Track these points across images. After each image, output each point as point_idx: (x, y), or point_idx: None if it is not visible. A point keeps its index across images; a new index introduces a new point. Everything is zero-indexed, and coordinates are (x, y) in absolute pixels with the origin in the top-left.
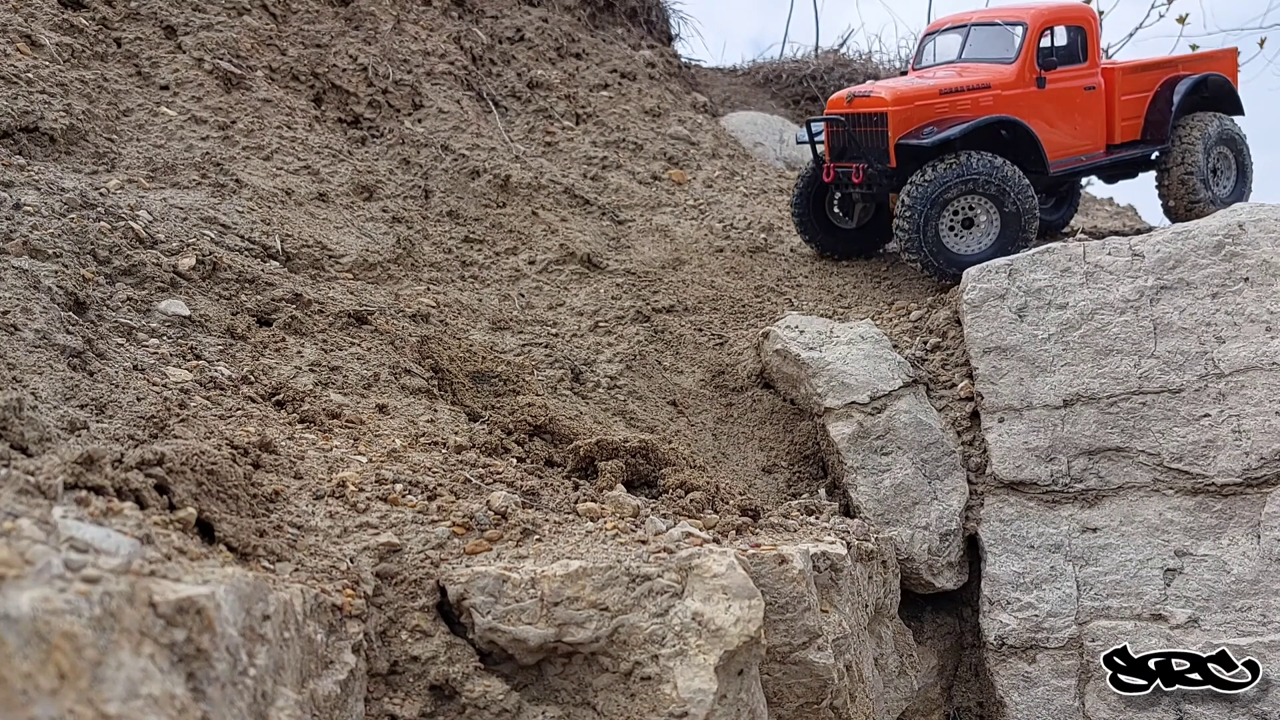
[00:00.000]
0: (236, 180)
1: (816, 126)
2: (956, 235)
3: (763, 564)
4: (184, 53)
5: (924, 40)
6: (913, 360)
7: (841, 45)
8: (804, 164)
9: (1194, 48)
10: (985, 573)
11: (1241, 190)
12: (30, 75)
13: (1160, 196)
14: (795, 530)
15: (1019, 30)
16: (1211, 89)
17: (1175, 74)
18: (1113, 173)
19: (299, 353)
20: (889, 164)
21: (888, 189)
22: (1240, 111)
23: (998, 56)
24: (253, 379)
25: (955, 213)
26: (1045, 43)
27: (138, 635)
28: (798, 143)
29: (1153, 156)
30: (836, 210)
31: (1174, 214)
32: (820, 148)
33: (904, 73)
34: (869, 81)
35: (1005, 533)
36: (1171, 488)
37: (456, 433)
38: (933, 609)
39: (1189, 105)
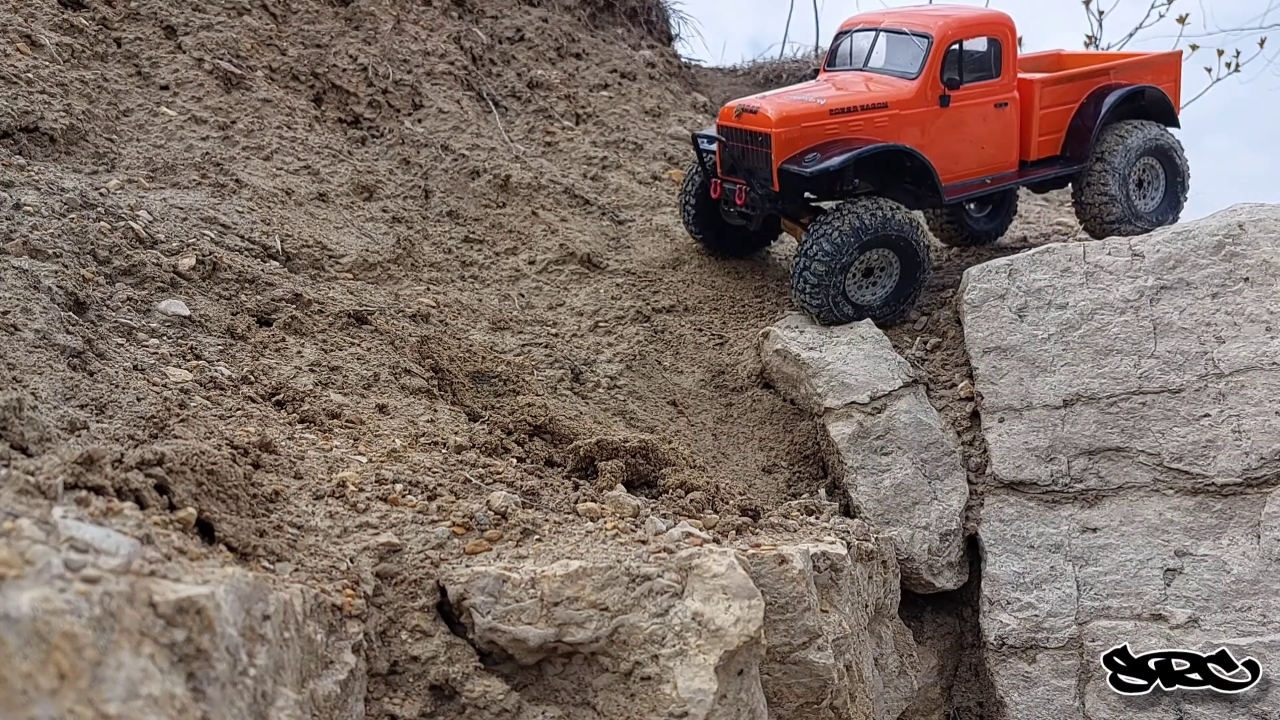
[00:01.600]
0: (236, 180)
1: (706, 140)
2: (857, 285)
3: (763, 564)
4: (184, 53)
5: (839, 37)
6: (913, 360)
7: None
8: (691, 161)
9: (1193, 48)
10: (985, 573)
11: (1173, 203)
12: (30, 75)
13: (1076, 213)
14: (795, 530)
15: (924, 43)
16: (1147, 99)
17: (1105, 84)
18: (1036, 187)
19: (299, 353)
20: (772, 187)
21: (771, 212)
22: (1175, 124)
23: (902, 70)
24: (253, 379)
25: (860, 264)
26: (954, 56)
27: (138, 635)
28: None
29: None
30: (740, 210)
31: (1090, 232)
32: (711, 158)
33: (819, 71)
34: (762, 95)
35: (1005, 533)
36: (1171, 488)
37: (456, 433)
38: (933, 609)
39: (1119, 114)
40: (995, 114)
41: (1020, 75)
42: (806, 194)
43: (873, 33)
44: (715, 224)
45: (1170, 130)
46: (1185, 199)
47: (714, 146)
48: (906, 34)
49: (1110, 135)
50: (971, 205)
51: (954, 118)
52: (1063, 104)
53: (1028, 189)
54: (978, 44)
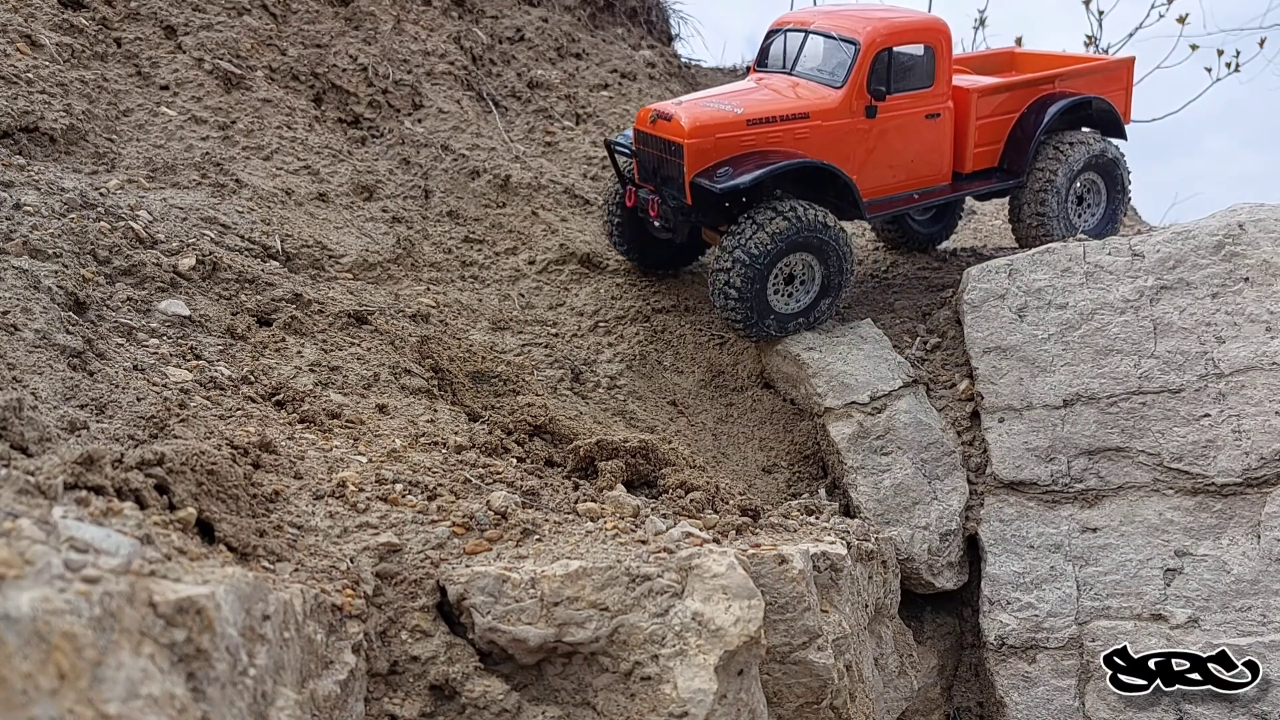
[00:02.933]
0: (236, 180)
1: (621, 147)
2: (777, 292)
3: (763, 564)
4: (184, 53)
5: (770, 35)
6: (913, 360)
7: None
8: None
9: (1193, 48)
10: (985, 573)
11: (1112, 219)
12: (30, 75)
13: (1012, 226)
14: (795, 530)
15: (850, 50)
16: (1093, 110)
17: (1048, 93)
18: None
19: (299, 353)
20: (685, 199)
21: (685, 226)
22: (1122, 135)
23: (827, 77)
24: (253, 379)
25: (780, 272)
26: (882, 65)
27: (138, 635)
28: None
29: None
30: (656, 223)
31: (1026, 246)
32: (628, 164)
33: (750, 70)
34: (681, 99)
35: (1005, 533)
36: (1171, 488)
37: (456, 433)
38: (933, 609)
39: (1063, 124)
40: (926, 125)
41: (956, 83)
42: (725, 204)
43: (802, 34)
44: (640, 237)
45: (1115, 142)
46: (1125, 213)
47: (631, 151)
48: (834, 38)
49: (1051, 148)
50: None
51: (880, 129)
52: (1002, 114)
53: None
54: (910, 50)
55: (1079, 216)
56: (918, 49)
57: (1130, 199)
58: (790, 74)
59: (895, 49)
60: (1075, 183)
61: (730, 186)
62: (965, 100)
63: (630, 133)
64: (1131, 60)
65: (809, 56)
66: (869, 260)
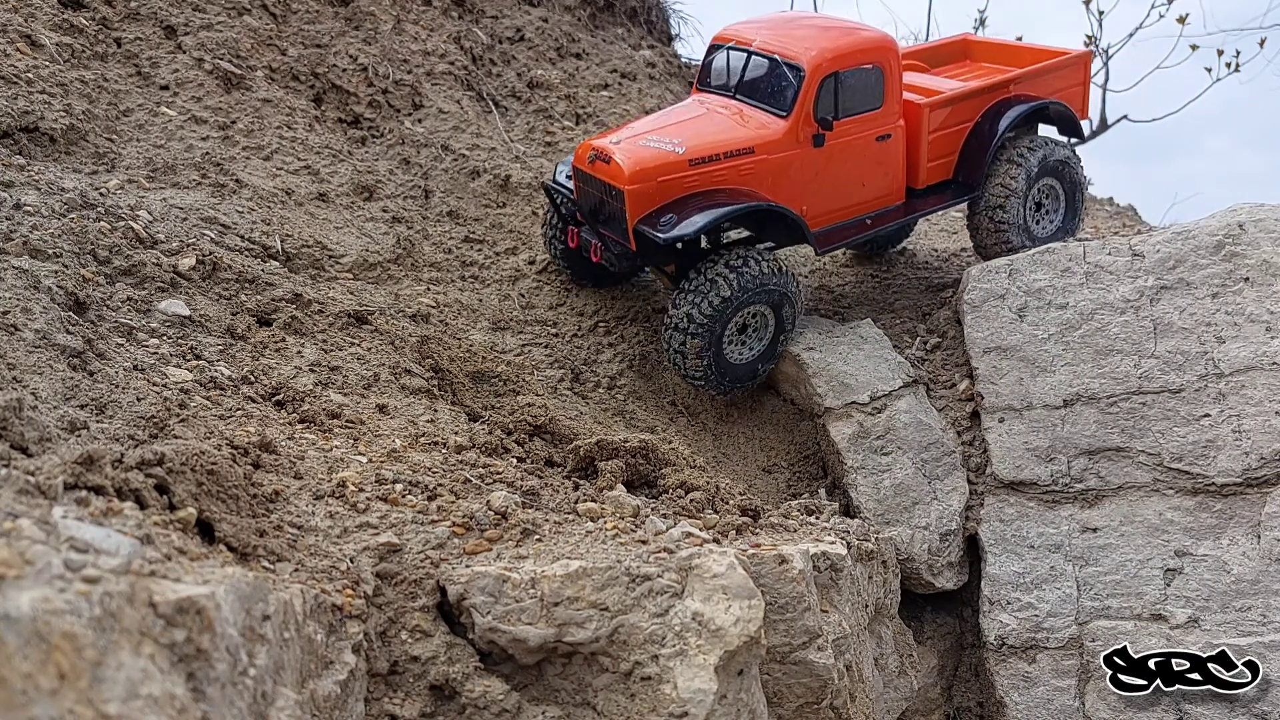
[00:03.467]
0: (236, 180)
1: (562, 173)
2: (731, 343)
3: (763, 564)
4: (184, 53)
5: (712, 50)
6: (913, 360)
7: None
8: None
9: (1193, 48)
10: (985, 573)
11: (1071, 224)
12: (30, 75)
13: (971, 237)
14: (795, 530)
15: (795, 77)
16: (1056, 116)
17: (1003, 98)
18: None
19: (299, 353)
20: (629, 244)
21: (629, 269)
22: (1079, 136)
23: (772, 103)
24: (253, 379)
25: (735, 324)
26: (829, 90)
27: (138, 635)
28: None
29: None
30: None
31: (983, 256)
32: (565, 200)
33: (693, 87)
34: (620, 134)
35: (1005, 533)
36: (1171, 488)
37: (456, 433)
38: (933, 609)
39: (1020, 128)
40: (876, 149)
41: (906, 96)
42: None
43: (744, 54)
44: (586, 264)
45: (1071, 143)
46: (1080, 223)
47: (571, 184)
48: (778, 62)
49: (1008, 154)
50: None
51: (828, 157)
52: (956, 125)
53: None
54: (858, 72)
55: (1037, 224)
56: (865, 71)
57: (1084, 205)
58: (734, 97)
59: (842, 73)
60: (1034, 189)
61: (674, 237)
62: (916, 115)
63: (566, 166)
64: (1089, 55)
65: (753, 79)
66: (869, 260)
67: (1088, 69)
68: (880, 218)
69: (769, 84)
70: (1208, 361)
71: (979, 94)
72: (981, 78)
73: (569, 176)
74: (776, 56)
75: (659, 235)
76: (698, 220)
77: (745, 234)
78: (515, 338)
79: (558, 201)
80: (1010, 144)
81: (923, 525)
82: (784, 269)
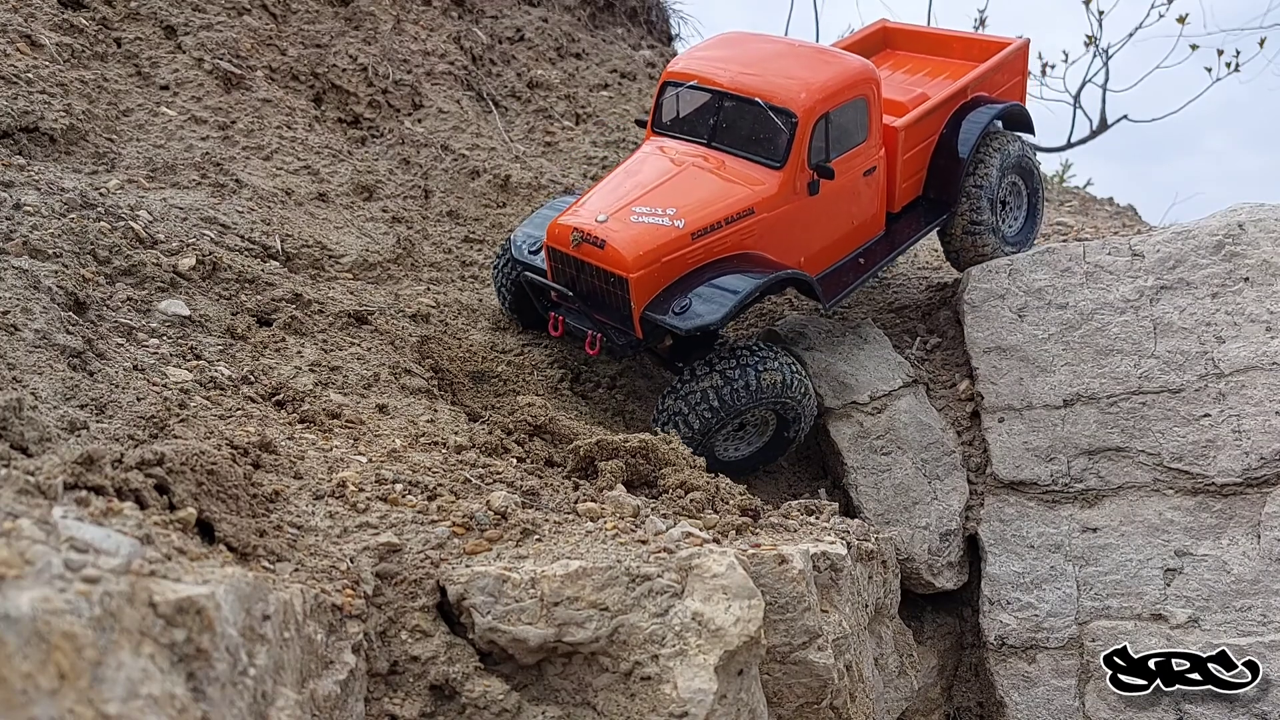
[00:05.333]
0: (236, 180)
1: (527, 246)
2: (725, 439)
3: (763, 564)
4: (184, 53)
5: (665, 88)
6: (913, 360)
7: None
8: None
9: (1193, 48)
10: (985, 573)
11: (1032, 225)
12: (30, 75)
13: (944, 243)
14: (795, 530)
15: (787, 124)
16: (1007, 115)
17: (962, 104)
18: None
19: (299, 353)
20: (634, 333)
21: (634, 354)
22: (1032, 132)
23: (760, 153)
24: (253, 379)
25: (736, 423)
26: (822, 133)
27: (138, 635)
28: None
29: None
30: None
31: (956, 265)
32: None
33: (644, 123)
34: (599, 212)
35: (1005, 533)
36: (1171, 488)
37: (456, 433)
38: (933, 609)
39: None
40: (864, 184)
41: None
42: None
43: (715, 95)
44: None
45: (1026, 139)
46: (1040, 223)
47: (541, 263)
48: (762, 107)
49: (974, 156)
50: None
51: (822, 202)
52: (924, 140)
53: None
54: (844, 112)
55: (1004, 222)
56: (852, 107)
57: (1043, 206)
58: (709, 146)
59: (832, 112)
60: (1002, 185)
61: (698, 326)
62: (892, 140)
63: (530, 240)
64: (1027, 44)
65: (730, 125)
66: None
67: (1026, 59)
68: (869, 254)
69: (753, 131)
70: (1208, 361)
71: (943, 105)
72: (921, 75)
73: (534, 250)
74: (759, 100)
75: (679, 326)
76: (720, 304)
77: None
78: (515, 338)
79: (534, 283)
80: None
81: (923, 525)
82: (792, 380)
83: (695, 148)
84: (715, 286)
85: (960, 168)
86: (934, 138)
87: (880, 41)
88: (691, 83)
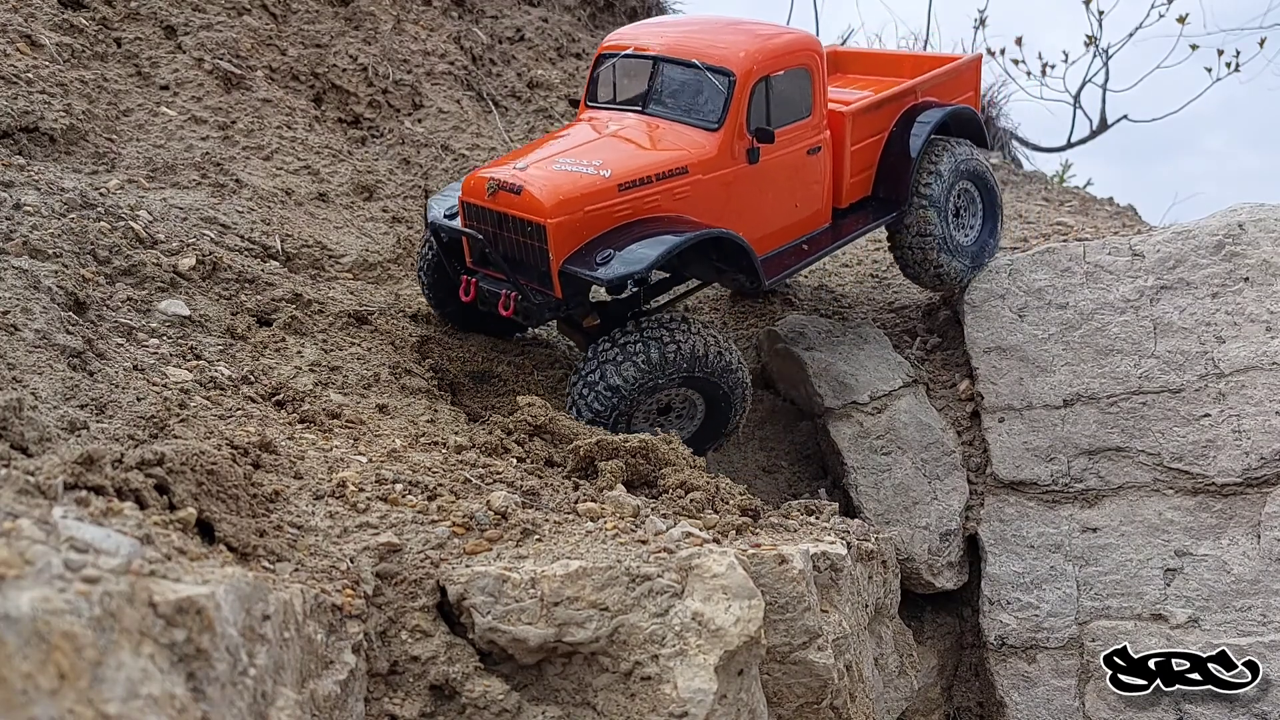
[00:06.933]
0: (236, 180)
1: (443, 210)
2: (649, 423)
3: (763, 564)
4: (184, 53)
5: (600, 61)
6: (913, 360)
7: (841, 45)
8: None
9: (1193, 48)
10: (985, 573)
11: (992, 231)
12: (30, 75)
13: (895, 255)
14: (795, 530)
15: (723, 83)
16: (957, 120)
17: (913, 105)
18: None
19: (299, 353)
20: (553, 291)
21: (552, 318)
22: (985, 145)
23: (696, 116)
24: (253, 379)
25: (653, 402)
26: (762, 97)
27: (138, 635)
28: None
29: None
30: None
31: (911, 276)
32: (452, 239)
33: (580, 106)
34: (519, 160)
35: (1005, 532)
36: (1171, 488)
37: (456, 433)
38: (933, 609)
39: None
40: (808, 163)
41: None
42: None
43: (649, 62)
44: (464, 304)
45: (980, 151)
46: (1001, 232)
47: (457, 222)
48: (698, 68)
49: (920, 165)
50: None
51: (763, 175)
52: (873, 135)
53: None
54: (785, 79)
55: (959, 230)
56: (794, 75)
57: (1003, 214)
58: (644, 112)
59: (772, 77)
60: (951, 195)
61: (620, 275)
62: (840, 125)
63: (447, 200)
64: (980, 58)
65: (666, 89)
66: (868, 260)
67: (979, 74)
68: (813, 241)
69: (689, 93)
70: (1208, 361)
71: (892, 100)
72: (870, 90)
73: (451, 214)
74: (696, 61)
75: (598, 275)
76: (648, 253)
77: (663, 275)
78: (516, 338)
79: (445, 242)
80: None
81: (923, 525)
82: (707, 353)
83: (629, 115)
84: (642, 240)
85: (910, 166)
86: (883, 135)
87: (831, 65)
88: (628, 50)
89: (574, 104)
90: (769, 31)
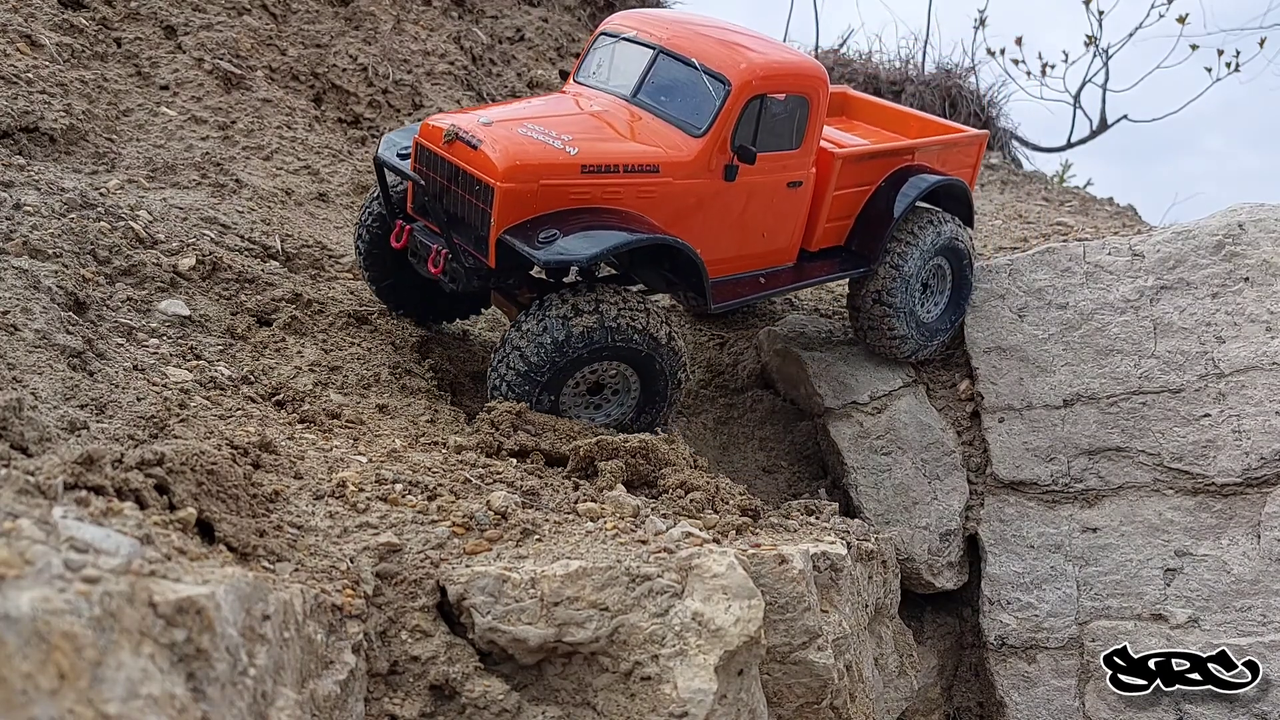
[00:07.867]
0: (236, 180)
1: (396, 149)
2: (579, 401)
3: (763, 564)
4: (184, 53)
5: (597, 40)
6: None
7: (841, 45)
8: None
9: (1193, 48)
10: (985, 573)
11: (956, 312)
12: (30, 75)
13: (851, 318)
14: (795, 530)
15: (719, 90)
16: (954, 191)
17: (905, 165)
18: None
19: (299, 353)
20: (486, 258)
21: (476, 289)
22: (970, 221)
23: (683, 116)
24: (253, 379)
25: (582, 378)
26: (753, 114)
27: (138, 635)
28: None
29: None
30: (437, 276)
31: (865, 341)
32: (398, 186)
33: (568, 78)
34: (488, 113)
35: (1005, 533)
36: (1171, 488)
37: (456, 433)
38: (933, 609)
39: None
40: (786, 196)
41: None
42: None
43: (649, 51)
44: (399, 271)
45: (965, 229)
46: (964, 312)
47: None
48: (696, 68)
49: (901, 228)
50: None
51: (736, 196)
52: (858, 185)
53: None
54: (781, 103)
55: (922, 306)
56: (791, 101)
57: (970, 295)
58: (631, 101)
59: (769, 96)
60: (925, 268)
61: (559, 260)
62: (827, 166)
63: (403, 138)
64: (985, 136)
65: (660, 83)
66: None
67: (981, 152)
68: (773, 277)
69: (681, 93)
70: (1208, 361)
71: (886, 155)
72: (874, 138)
73: (405, 154)
74: (696, 62)
75: (536, 254)
76: (593, 243)
77: (610, 272)
78: None
79: (386, 181)
80: (903, 219)
81: (923, 525)
82: (666, 335)
83: (615, 100)
84: (592, 229)
85: (889, 225)
86: (870, 188)
87: (838, 106)
88: (629, 34)
89: None
90: (779, 51)
